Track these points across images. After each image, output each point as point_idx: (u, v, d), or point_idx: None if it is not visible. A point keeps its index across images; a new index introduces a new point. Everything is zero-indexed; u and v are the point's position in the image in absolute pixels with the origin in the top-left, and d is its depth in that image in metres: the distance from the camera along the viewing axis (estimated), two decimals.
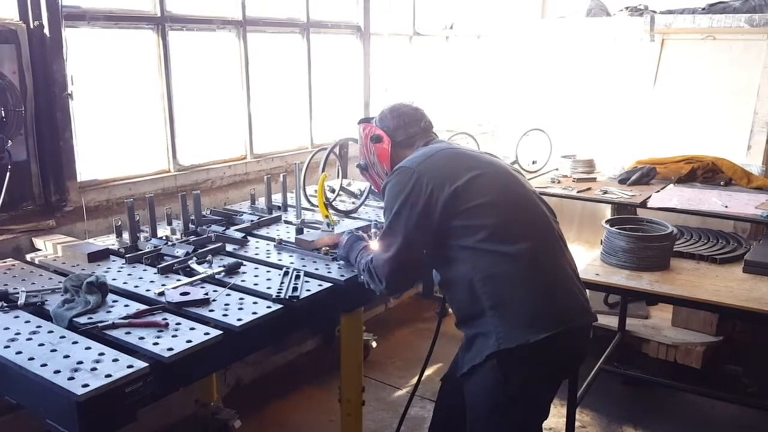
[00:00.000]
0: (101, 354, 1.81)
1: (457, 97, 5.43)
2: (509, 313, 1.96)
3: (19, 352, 1.81)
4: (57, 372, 1.71)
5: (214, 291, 2.24)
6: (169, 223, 2.92)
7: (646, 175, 4.10)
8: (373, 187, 2.58)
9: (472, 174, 2.06)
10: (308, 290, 2.30)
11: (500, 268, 1.98)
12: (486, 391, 2.04)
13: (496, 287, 1.98)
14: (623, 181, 4.10)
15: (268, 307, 2.15)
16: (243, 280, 2.36)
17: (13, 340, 1.89)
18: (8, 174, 2.57)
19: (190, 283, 2.30)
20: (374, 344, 4.06)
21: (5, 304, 2.11)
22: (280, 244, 2.77)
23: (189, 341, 1.88)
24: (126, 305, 2.13)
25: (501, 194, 2.08)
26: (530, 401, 2.08)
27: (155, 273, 2.42)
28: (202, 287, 2.27)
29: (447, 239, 2.05)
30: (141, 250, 2.63)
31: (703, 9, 4.51)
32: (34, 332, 1.94)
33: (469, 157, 2.20)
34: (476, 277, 1.99)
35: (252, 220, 3.07)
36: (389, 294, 2.10)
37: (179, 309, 2.10)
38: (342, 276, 2.44)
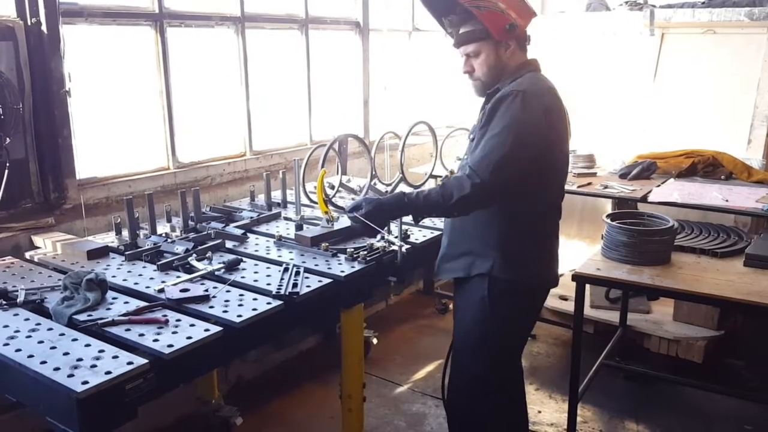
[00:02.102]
0: (101, 351, 1.80)
1: (456, 93, 5.41)
2: (517, 256, 2.27)
3: (18, 350, 1.81)
4: (57, 369, 1.71)
5: (214, 287, 2.23)
6: (169, 221, 2.92)
7: (646, 169, 4.08)
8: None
9: (564, 146, 2.31)
10: (308, 286, 2.29)
11: (530, 224, 2.28)
12: (473, 312, 2.34)
13: (525, 234, 2.27)
14: (624, 175, 4.09)
15: (268, 303, 2.14)
16: (243, 277, 2.35)
17: (12, 337, 1.89)
18: (6, 172, 2.56)
19: (190, 280, 2.29)
20: (375, 341, 4.06)
21: (4, 302, 2.11)
22: (280, 241, 2.76)
23: (189, 338, 1.88)
24: (126, 302, 2.13)
25: (563, 172, 2.36)
26: (511, 331, 2.39)
27: (155, 270, 2.42)
28: (202, 284, 2.27)
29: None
30: (140, 247, 2.62)
31: (703, 3, 4.49)
32: (33, 330, 1.94)
33: (566, 119, 2.31)
34: (506, 219, 2.24)
35: (251, 217, 3.07)
36: (485, 194, 2.13)
37: (179, 305, 2.10)
38: (342, 272, 2.43)
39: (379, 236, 2.66)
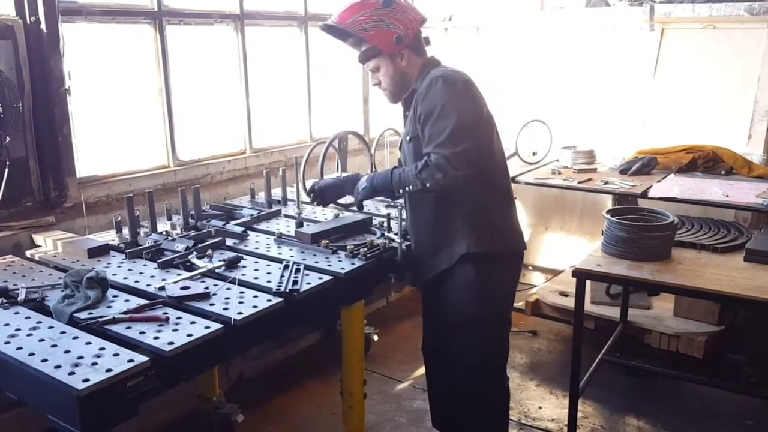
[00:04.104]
0: (102, 349, 1.81)
1: None
2: (484, 229, 2.41)
3: (19, 348, 1.82)
4: (58, 367, 1.71)
5: (215, 285, 2.24)
6: (169, 218, 2.92)
7: (646, 165, 4.08)
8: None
9: (490, 116, 2.46)
10: (308, 283, 2.30)
11: (491, 194, 2.43)
12: (460, 299, 2.44)
13: (484, 206, 2.41)
14: (624, 171, 4.09)
15: (269, 300, 2.14)
16: (243, 274, 2.36)
17: (13, 336, 1.89)
18: (6, 170, 2.56)
19: (191, 278, 2.30)
20: (376, 338, 4.07)
21: (5, 301, 2.11)
22: (280, 238, 2.76)
23: (190, 335, 1.89)
24: (126, 300, 2.13)
25: (498, 139, 2.49)
26: (498, 311, 2.53)
27: (155, 268, 2.42)
28: (203, 282, 2.27)
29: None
30: (141, 245, 2.63)
31: None
32: (34, 328, 1.94)
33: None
34: (469, 196, 2.36)
35: (252, 215, 3.07)
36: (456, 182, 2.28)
37: (180, 303, 2.10)
38: (342, 269, 2.43)
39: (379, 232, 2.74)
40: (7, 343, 1.85)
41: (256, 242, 2.77)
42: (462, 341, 2.51)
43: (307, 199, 3.28)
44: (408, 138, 2.45)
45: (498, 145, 2.48)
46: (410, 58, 2.43)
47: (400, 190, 2.39)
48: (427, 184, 2.26)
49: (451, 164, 2.21)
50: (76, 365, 1.72)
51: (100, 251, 2.58)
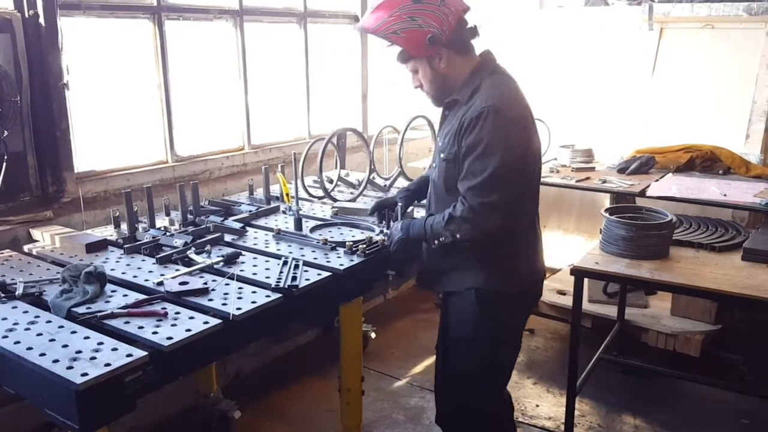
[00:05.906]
0: (100, 343, 1.80)
1: None
2: (497, 264, 2.22)
3: (17, 342, 1.81)
4: (56, 361, 1.71)
5: (213, 281, 2.23)
6: (168, 214, 2.92)
7: (645, 164, 4.08)
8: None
9: (539, 144, 2.23)
10: (307, 279, 2.29)
11: (514, 223, 2.17)
12: (464, 322, 2.29)
13: (503, 237, 2.15)
14: (622, 170, 4.09)
15: (267, 296, 2.14)
16: (242, 270, 2.35)
17: (11, 330, 1.89)
18: (4, 165, 2.56)
19: (189, 273, 2.29)
20: (373, 335, 4.07)
21: (3, 295, 2.10)
22: (279, 234, 2.76)
23: (188, 330, 1.88)
24: (125, 295, 2.13)
25: (537, 182, 2.28)
26: (503, 337, 2.35)
27: (154, 263, 2.42)
28: (201, 277, 2.26)
29: None
30: (139, 240, 2.62)
31: None
32: (32, 322, 1.94)
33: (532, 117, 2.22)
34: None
35: (250, 211, 3.07)
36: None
37: (178, 298, 2.10)
38: (341, 265, 2.43)
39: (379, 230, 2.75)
40: (5, 337, 1.84)
41: (255, 238, 2.76)
42: (459, 360, 2.38)
43: (306, 196, 3.29)
44: (442, 156, 2.22)
45: (538, 172, 2.28)
46: (450, 57, 2.18)
47: (434, 242, 2.20)
48: (458, 236, 2.12)
49: (479, 216, 2.06)
50: (75, 359, 1.71)
51: (98, 246, 2.57)
